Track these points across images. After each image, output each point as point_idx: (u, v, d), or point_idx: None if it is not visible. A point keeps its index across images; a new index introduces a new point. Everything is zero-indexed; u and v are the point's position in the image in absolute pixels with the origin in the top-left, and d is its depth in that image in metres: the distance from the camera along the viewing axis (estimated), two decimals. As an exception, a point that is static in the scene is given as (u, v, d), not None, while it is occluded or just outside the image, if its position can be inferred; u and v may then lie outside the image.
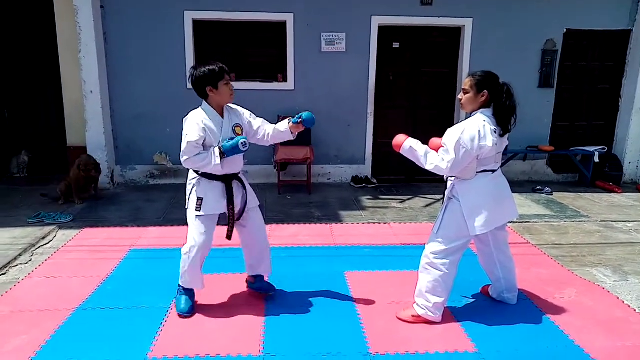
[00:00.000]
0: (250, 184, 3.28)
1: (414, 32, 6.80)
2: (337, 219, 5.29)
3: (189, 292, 3.25)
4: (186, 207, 3.11)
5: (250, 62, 6.75)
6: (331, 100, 6.76)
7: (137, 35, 6.40)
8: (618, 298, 3.51)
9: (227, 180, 3.05)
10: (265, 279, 3.42)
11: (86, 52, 6.11)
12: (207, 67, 2.92)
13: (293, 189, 6.53)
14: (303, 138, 5.69)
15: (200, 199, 3.01)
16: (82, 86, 6.21)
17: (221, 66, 2.96)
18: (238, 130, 3.04)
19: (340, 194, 6.38)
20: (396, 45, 6.86)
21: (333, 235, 4.76)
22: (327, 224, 5.11)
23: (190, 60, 6.52)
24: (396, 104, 7.05)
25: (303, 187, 6.51)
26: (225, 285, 3.62)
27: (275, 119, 6.57)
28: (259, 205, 3.31)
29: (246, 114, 3.17)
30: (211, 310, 3.24)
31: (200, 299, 3.37)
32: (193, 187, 3.06)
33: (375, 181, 6.86)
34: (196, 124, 2.92)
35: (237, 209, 3.09)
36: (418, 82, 7.00)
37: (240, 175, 3.17)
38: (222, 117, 3.02)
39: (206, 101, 3.01)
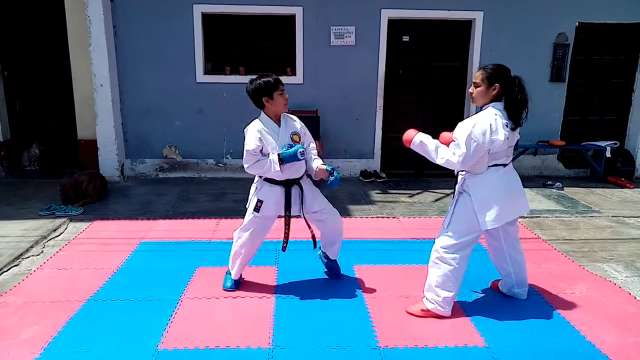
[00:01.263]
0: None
1: (424, 25, 6.75)
2: (346, 213, 5.28)
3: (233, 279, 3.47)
4: (246, 206, 3.33)
5: (259, 55, 6.74)
6: (340, 94, 6.74)
7: (147, 29, 6.42)
8: (630, 294, 3.48)
9: (287, 185, 3.21)
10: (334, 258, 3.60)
11: (96, 45, 6.13)
12: (262, 79, 3.10)
13: (302, 182, 6.52)
14: (312, 132, 5.67)
15: (260, 202, 3.21)
16: (92, 80, 6.24)
17: (276, 78, 3.14)
18: (296, 137, 3.20)
19: (349, 188, 6.37)
20: (406, 38, 6.82)
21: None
22: (335, 217, 5.10)
23: (199, 54, 6.53)
24: (406, 98, 7.01)
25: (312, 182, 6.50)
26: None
27: (284, 113, 6.58)
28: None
29: (300, 125, 3.31)
30: (221, 303, 3.26)
31: (210, 291, 3.40)
32: (255, 189, 3.28)
33: (384, 175, 6.84)
34: (253, 133, 3.14)
35: (293, 213, 3.25)
36: (428, 76, 6.96)
37: (302, 181, 3.29)
38: (279, 125, 3.18)
39: (263, 111, 3.20)
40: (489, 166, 2.92)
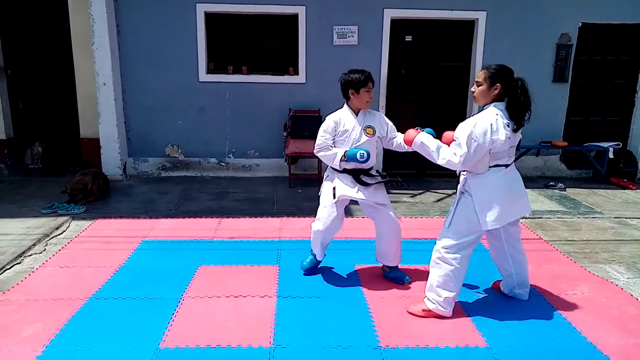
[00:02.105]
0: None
1: (427, 25, 6.75)
2: (348, 213, 5.27)
3: (314, 256, 3.70)
4: (319, 194, 3.57)
5: (262, 55, 6.74)
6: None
7: (150, 28, 6.43)
8: (632, 295, 3.47)
9: (356, 174, 3.36)
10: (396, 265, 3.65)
11: (99, 44, 6.15)
12: (354, 74, 3.33)
13: (304, 182, 6.53)
14: (313, 131, 5.67)
15: (334, 188, 3.39)
16: (95, 78, 6.26)
17: (367, 75, 3.33)
18: (369, 131, 3.36)
19: (351, 187, 6.36)
20: (408, 38, 6.81)
21: (344, 229, 4.68)
22: (337, 217, 5.10)
23: (202, 53, 6.53)
24: (408, 97, 7.01)
25: (314, 181, 6.51)
26: (237, 276, 3.64)
27: (286, 112, 6.59)
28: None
29: (386, 120, 3.51)
30: (222, 302, 3.26)
31: (212, 290, 3.41)
32: (326, 178, 3.51)
33: (386, 175, 6.82)
34: (330, 121, 3.40)
35: (366, 198, 3.36)
36: (430, 76, 6.95)
37: (372, 172, 3.44)
38: (356, 117, 3.37)
39: (347, 103, 3.43)
40: (490, 166, 2.92)
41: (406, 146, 3.25)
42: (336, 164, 3.31)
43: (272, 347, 2.75)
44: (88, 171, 5.66)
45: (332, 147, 3.36)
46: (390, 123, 3.53)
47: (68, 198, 5.30)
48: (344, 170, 3.37)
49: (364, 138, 3.33)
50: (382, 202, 3.45)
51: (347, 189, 3.36)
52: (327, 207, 3.45)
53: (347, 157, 3.25)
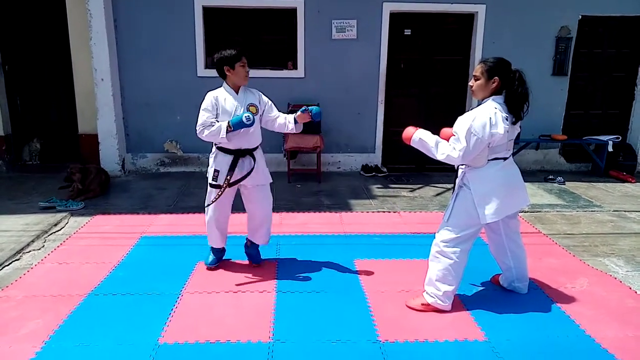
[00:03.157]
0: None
1: (426, 18, 6.72)
2: (347, 208, 5.28)
3: (213, 250, 3.71)
4: (206, 176, 3.50)
5: (261, 49, 6.71)
6: (341, 88, 6.71)
7: (148, 23, 6.40)
8: (630, 288, 3.47)
9: (239, 154, 3.35)
10: (260, 243, 3.74)
11: (97, 39, 6.12)
12: (227, 51, 3.27)
13: (303, 177, 6.52)
14: (313, 126, 5.67)
15: (217, 171, 3.38)
16: (93, 74, 6.23)
17: (240, 49, 3.30)
18: (252, 109, 3.33)
19: (350, 182, 6.36)
20: (407, 32, 6.78)
21: (343, 224, 4.76)
22: (336, 212, 5.11)
23: (200, 48, 6.51)
24: (407, 92, 6.99)
25: (313, 176, 6.50)
26: (236, 271, 3.65)
27: (285, 107, 6.57)
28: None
29: (265, 99, 3.49)
30: (222, 297, 3.27)
31: (211, 285, 3.41)
32: (211, 159, 3.46)
33: (385, 170, 6.83)
34: (209, 98, 3.32)
35: (233, 178, 3.35)
36: (430, 70, 6.93)
37: (255, 153, 3.44)
38: (238, 94, 3.35)
39: (225, 81, 3.36)
40: (489, 160, 2.91)
41: (290, 126, 3.37)
42: (223, 137, 3.22)
43: (272, 342, 2.75)
44: (92, 166, 5.69)
45: (215, 122, 3.27)
46: (270, 102, 3.50)
47: (65, 184, 5.38)
48: (228, 152, 3.34)
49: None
50: (262, 183, 3.51)
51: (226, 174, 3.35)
52: (213, 194, 3.43)
53: (233, 125, 3.20)
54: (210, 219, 3.55)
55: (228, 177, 3.34)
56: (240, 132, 3.26)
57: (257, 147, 3.47)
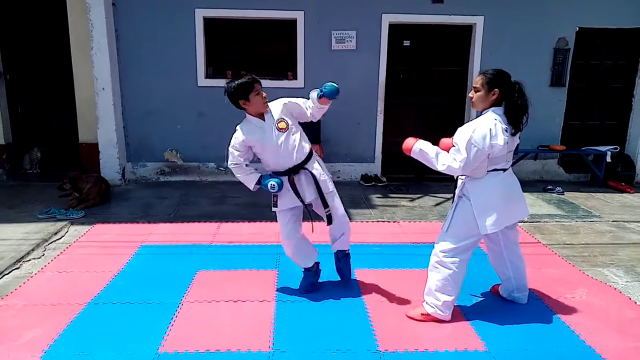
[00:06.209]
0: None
1: (425, 30, 6.77)
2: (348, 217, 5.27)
3: (306, 271, 3.50)
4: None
5: (261, 59, 6.75)
6: (341, 98, 6.53)
7: (149, 33, 6.44)
8: (630, 299, 3.48)
9: (288, 174, 3.19)
10: (345, 249, 3.54)
11: (98, 49, 6.16)
12: (236, 82, 3.05)
13: (302, 186, 6.52)
14: (312, 136, 5.67)
15: (275, 196, 3.23)
16: (93, 83, 6.26)
17: (250, 78, 3.05)
18: (281, 125, 3.13)
19: (350, 192, 6.37)
20: (407, 43, 6.83)
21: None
22: (336, 221, 5.10)
23: (200, 58, 6.55)
24: (406, 102, 7.03)
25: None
26: (237, 281, 3.64)
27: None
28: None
29: (287, 101, 3.21)
30: (222, 306, 3.26)
31: (211, 294, 3.41)
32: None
33: (384, 179, 6.85)
34: (238, 137, 3.14)
35: (307, 200, 3.25)
36: (428, 81, 6.98)
37: (307, 166, 3.24)
38: (264, 120, 3.14)
39: (246, 112, 3.18)
40: (488, 171, 2.93)
41: (320, 104, 3.16)
42: (249, 187, 3.23)
43: (272, 352, 2.75)
44: (93, 175, 5.72)
45: (243, 165, 3.21)
46: (290, 100, 3.23)
47: (62, 193, 5.39)
48: (277, 173, 3.20)
49: (281, 135, 3.12)
50: (330, 190, 3.33)
51: (290, 200, 3.23)
52: (280, 219, 3.34)
53: (261, 185, 3.18)
54: (288, 246, 3.37)
55: (300, 198, 3.21)
56: (285, 151, 3.14)
57: (307, 160, 3.25)
